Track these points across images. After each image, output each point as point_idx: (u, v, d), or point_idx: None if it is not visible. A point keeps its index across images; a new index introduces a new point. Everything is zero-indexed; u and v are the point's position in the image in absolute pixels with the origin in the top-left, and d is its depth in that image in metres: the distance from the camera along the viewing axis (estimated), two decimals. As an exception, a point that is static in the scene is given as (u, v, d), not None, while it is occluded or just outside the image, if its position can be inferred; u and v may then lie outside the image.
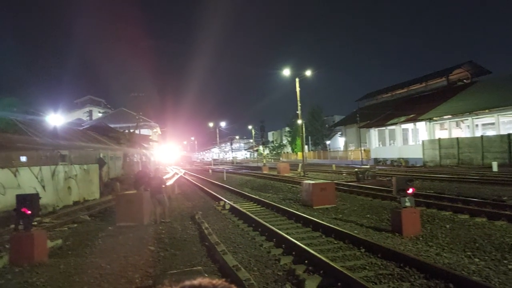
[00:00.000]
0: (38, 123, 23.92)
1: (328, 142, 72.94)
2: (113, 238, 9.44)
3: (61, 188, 16.38)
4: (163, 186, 12.29)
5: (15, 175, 13.85)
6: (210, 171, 43.04)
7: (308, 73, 32.47)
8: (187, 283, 0.88)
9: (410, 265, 5.97)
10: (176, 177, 27.37)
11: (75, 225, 11.80)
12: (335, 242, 8.11)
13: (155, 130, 70.80)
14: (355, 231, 8.83)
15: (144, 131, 56.29)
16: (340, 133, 69.46)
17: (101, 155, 23.51)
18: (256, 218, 10.64)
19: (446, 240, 8.04)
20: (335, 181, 18.21)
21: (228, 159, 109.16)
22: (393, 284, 5.45)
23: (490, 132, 35.01)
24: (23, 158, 18.17)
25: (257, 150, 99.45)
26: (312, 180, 17.32)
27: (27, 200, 7.41)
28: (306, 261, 6.59)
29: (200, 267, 6.13)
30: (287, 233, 8.55)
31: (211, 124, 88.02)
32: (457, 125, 39.52)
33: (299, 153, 65.59)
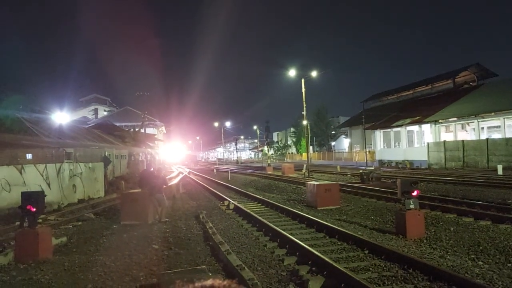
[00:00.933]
0: (44, 121, 24.13)
1: (333, 143, 72.68)
2: (117, 236, 9.49)
3: (66, 186, 16.48)
4: (164, 186, 12.30)
5: (20, 173, 13.96)
6: (215, 170, 43.09)
7: (314, 73, 32.39)
8: (198, 284, 0.89)
9: (414, 267, 5.96)
10: (180, 176, 27.41)
11: (80, 223, 11.86)
12: (339, 243, 8.11)
13: (160, 129, 71.00)
14: (359, 233, 8.82)
15: (149, 130, 56.45)
16: (345, 134, 69.25)
17: (106, 154, 23.65)
18: (260, 218, 10.65)
19: (450, 242, 8.02)
20: (339, 182, 18.21)
21: (232, 159, 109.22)
22: (396, 286, 5.45)
23: (496, 135, 34.75)
24: (29, 156, 18.35)
25: (261, 150, 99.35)
26: (317, 181, 17.30)
27: (32, 198, 7.47)
28: (309, 262, 6.60)
29: (204, 266, 6.15)
30: (291, 234, 8.55)
31: (216, 124, 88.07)
32: (463, 127, 39.24)
33: (304, 154, 65.51)
